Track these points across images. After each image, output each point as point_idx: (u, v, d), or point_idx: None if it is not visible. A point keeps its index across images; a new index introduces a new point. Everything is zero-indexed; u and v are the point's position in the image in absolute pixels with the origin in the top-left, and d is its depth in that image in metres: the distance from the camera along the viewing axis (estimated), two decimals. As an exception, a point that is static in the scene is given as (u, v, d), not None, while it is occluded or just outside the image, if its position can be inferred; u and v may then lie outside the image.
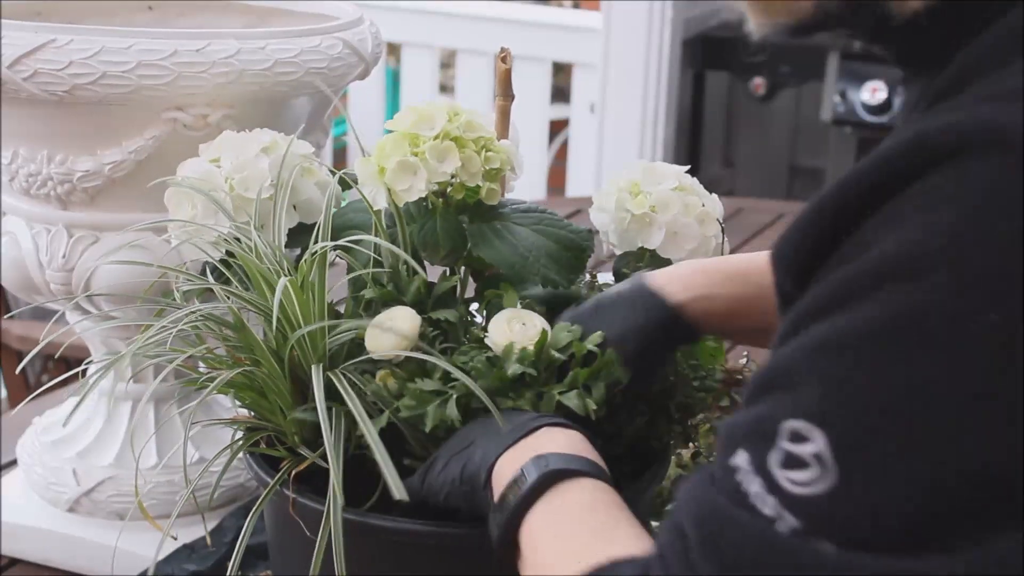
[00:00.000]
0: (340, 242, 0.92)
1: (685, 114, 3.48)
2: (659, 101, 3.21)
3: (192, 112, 1.06)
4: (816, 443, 0.54)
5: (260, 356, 0.92)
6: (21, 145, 1.10)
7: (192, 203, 0.97)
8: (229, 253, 0.95)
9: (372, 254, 0.93)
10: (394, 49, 3.82)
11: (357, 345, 0.92)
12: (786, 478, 0.55)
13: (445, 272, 0.96)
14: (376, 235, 0.93)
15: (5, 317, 2.32)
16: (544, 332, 0.87)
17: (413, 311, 0.89)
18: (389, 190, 0.91)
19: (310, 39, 1.10)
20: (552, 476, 0.76)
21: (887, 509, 0.53)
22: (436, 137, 0.91)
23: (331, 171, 1.01)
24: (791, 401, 0.56)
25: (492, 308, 0.92)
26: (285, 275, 0.90)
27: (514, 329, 0.88)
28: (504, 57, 1.00)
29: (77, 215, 1.12)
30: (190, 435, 0.92)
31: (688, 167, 1.03)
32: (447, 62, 3.87)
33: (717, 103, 3.84)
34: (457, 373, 0.84)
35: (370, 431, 0.82)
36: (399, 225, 0.94)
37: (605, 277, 1.03)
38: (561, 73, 3.77)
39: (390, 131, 0.94)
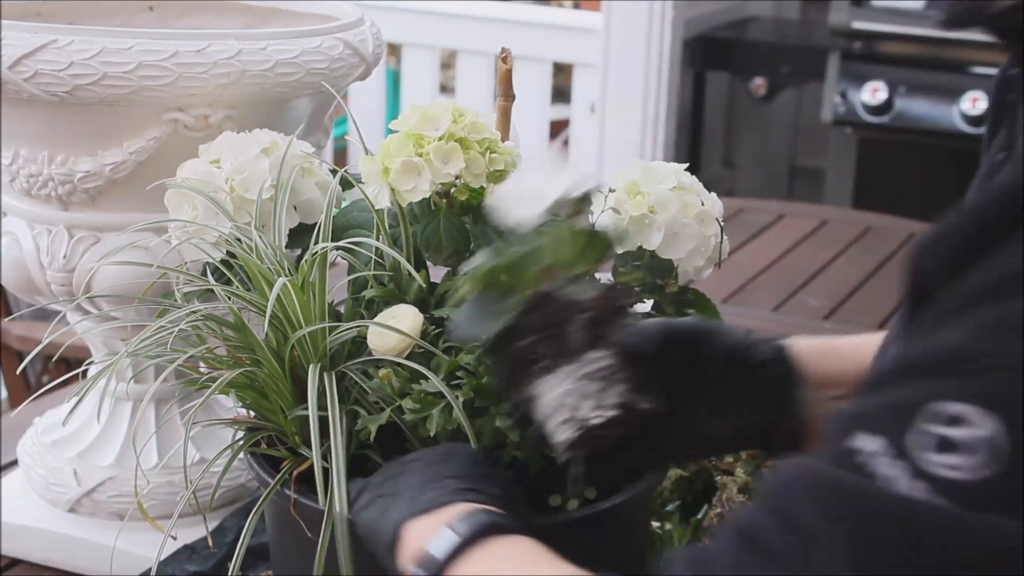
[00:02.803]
0: (340, 243, 0.92)
1: (685, 114, 3.48)
2: (659, 101, 3.21)
3: (193, 113, 1.06)
4: (985, 427, 0.52)
5: (261, 356, 0.92)
6: (22, 146, 1.10)
7: (192, 204, 0.97)
8: (230, 254, 0.95)
9: (373, 256, 0.93)
10: (394, 49, 3.82)
11: (357, 345, 0.92)
12: (941, 462, 0.52)
13: (448, 272, 0.96)
14: (378, 235, 0.93)
15: (6, 318, 2.32)
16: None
17: (416, 309, 0.89)
18: (393, 190, 0.91)
19: (311, 40, 1.10)
20: (487, 528, 0.73)
21: None
22: (441, 138, 0.91)
23: (333, 170, 1.01)
24: (948, 384, 0.53)
25: None
26: (286, 275, 0.90)
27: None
28: (505, 57, 1.00)
29: (78, 216, 1.12)
30: (191, 435, 0.92)
31: (687, 166, 1.03)
32: (447, 62, 3.86)
33: (717, 103, 3.84)
34: (445, 391, 0.83)
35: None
36: (403, 225, 0.94)
37: (604, 277, 1.03)
38: (561, 73, 3.77)
39: (392, 131, 0.94)
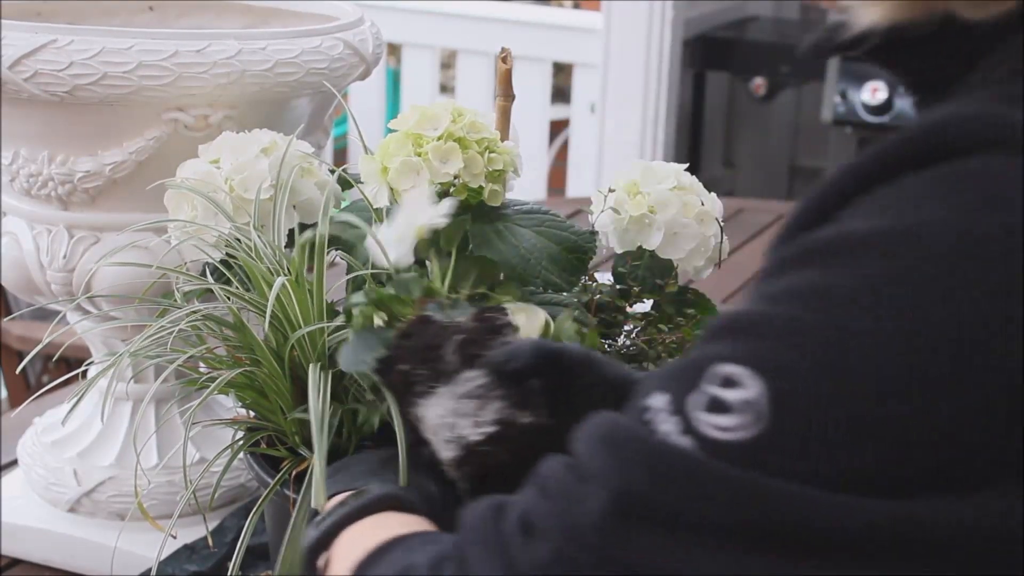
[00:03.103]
0: (333, 231, 0.92)
1: (685, 114, 3.48)
2: (659, 101, 3.21)
3: (193, 113, 1.06)
4: (752, 389, 0.53)
5: (260, 356, 0.92)
6: (22, 146, 1.10)
7: (192, 204, 0.97)
8: (230, 254, 0.95)
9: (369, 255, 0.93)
10: (394, 49, 3.82)
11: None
12: (708, 421, 0.54)
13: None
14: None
15: (6, 318, 2.32)
16: (547, 323, 0.87)
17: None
18: (392, 189, 0.91)
19: (311, 39, 1.10)
20: (378, 502, 0.75)
21: (822, 461, 0.52)
22: (440, 137, 0.91)
23: (331, 169, 1.01)
24: (733, 346, 0.55)
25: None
26: (284, 275, 0.90)
27: (519, 320, 0.88)
28: (505, 57, 1.00)
29: (78, 216, 1.12)
30: (190, 435, 0.92)
31: (687, 166, 1.03)
32: (447, 62, 3.87)
33: (717, 103, 3.84)
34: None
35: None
36: None
37: (604, 277, 1.03)
38: (561, 73, 3.77)
39: (392, 131, 0.94)
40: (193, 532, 1.12)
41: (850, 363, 0.52)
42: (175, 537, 1.04)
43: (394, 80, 4.04)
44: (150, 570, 1.01)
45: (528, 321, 0.88)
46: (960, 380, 0.51)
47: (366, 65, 1.16)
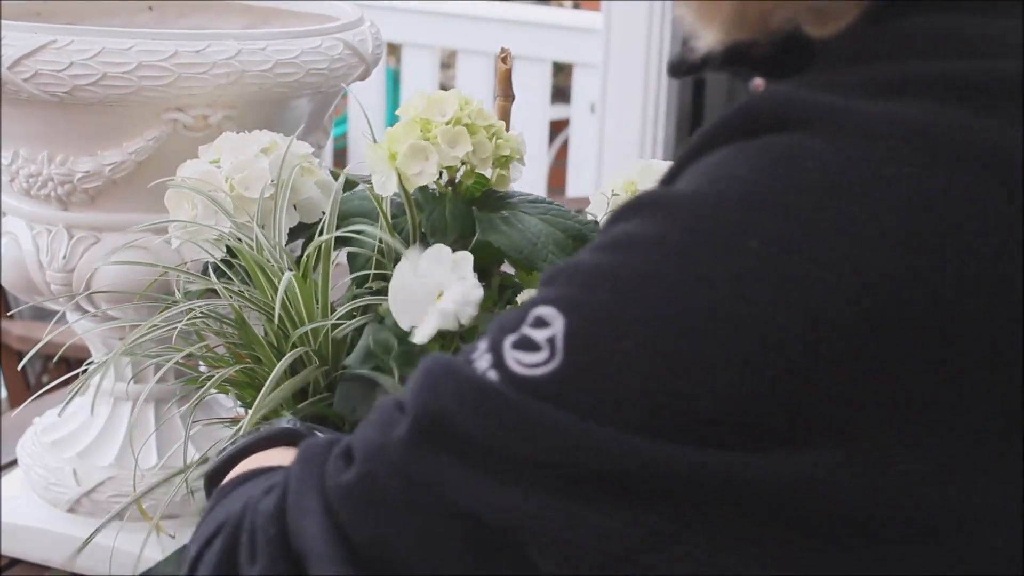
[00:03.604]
0: (343, 231, 0.92)
1: (685, 114, 3.48)
2: (659, 101, 3.21)
3: (192, 113, 1.06)
4: (554, 328, 0.55)
5: (261, 353, 0.92)
6: (21, 146, 1.10)
7: (192, 203, 0.97)
8: (230, 252, 0.95)
9: (376, 242, 0.93)
10: (394, 49, 3.82)
11: (360, 337, 0.92)
12: (514, 358, 0.55)
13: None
14: (380, 222, 0.93)
15: (5, 317, 2.32)
16: None
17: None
18: (400, 175, 0.91)
19: (310, 40, 1.10)
20: (275, 436, 0.77)
21: (604, 400, 0.53)
22: (448, 122, 0.91)
23: (333, 173, 1.01)
24: (550, 290, 0.57)
25: (506, 291, 0.94)
26: (289, 271, 0.90)
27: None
28: (504, 57, 1.00)
29: (77, 216, 1.12)
30: (190, 435, 0.93)
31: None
32: (447, 62, 3.87)
33: (717, 103, 3.84)
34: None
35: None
36: (408, 211, 0.94)
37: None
38: (561, 73, 3.77)
39: (396, 124, 0.94)
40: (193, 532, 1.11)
41: (630, 304, 0.54)
42: (173, 536, 1.05)
43: (394, 80, 4.04)
44: (150, 570, 1.01)
45: None
46: (717, 335, 0.53)
47: (366, 65, 1.16)
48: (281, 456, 0.75)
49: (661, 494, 0.53)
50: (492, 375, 0.56)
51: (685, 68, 0.68)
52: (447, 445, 0.56)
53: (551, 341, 0.55)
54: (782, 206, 0.53)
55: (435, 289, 0.80)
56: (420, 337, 0.79)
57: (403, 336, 0.82)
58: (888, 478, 0.52)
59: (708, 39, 0.62)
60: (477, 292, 0.79)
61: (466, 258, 0.81)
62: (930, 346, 0.51)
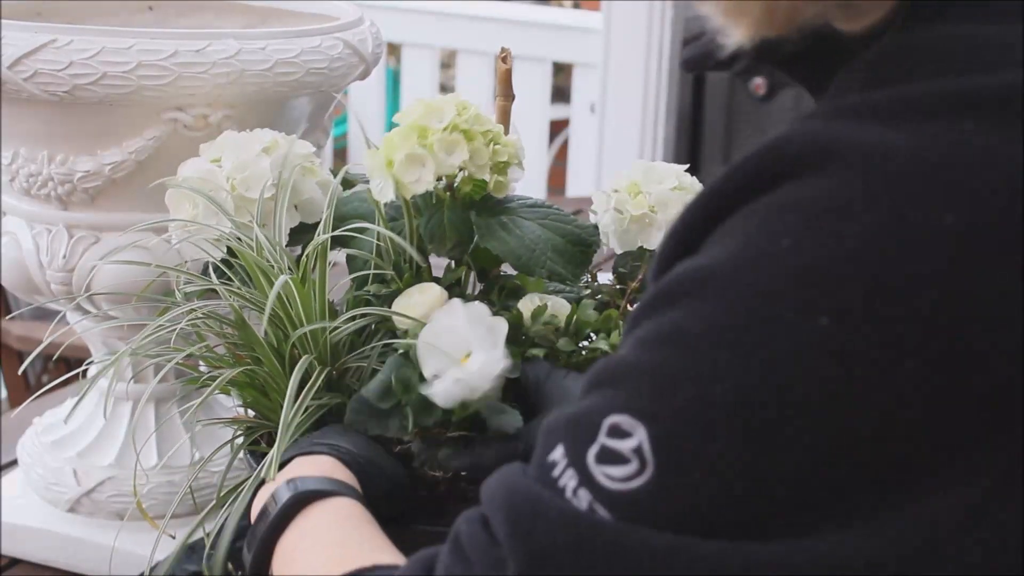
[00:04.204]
0: (341, 231, 0.92)
1: (685, 114, 3.48)
2: (659, 101, 3.21)
3: (192, 112, 1.06)
4: (637, 437, 0.53)
5: (261, 354, 0.92)
6: (22, 145, 1.10)
7: (193, 203, 0.97)
8: (230, 252, 0.95)
9: (375, 240, 0.93)
10: (394, 49, 3.82)
11: (358, 338, 0.92)
12: (602, 473, 0.54)
13: (450, 265, 0.96)
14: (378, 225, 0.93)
15: (6, 318, 2.32)
16: (575, 307, 0.91)
17: (440, 287, 0.90)
18: (397, 182, 0.91)
19: (310, 39, 1.10)
20: (305, 497, 0.77)
21: (707, 502, 0.53)
22: (445, 129, 0.91)
23: (332, 172, 1.01)
24: (615, 396, 0.55)
25: (507, 294, 0.95)
26: (286, 272, 0.90)
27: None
28: (504, 57, 1.00)
29: (77, 215, 1.12)
30: (190, 435, 0.92)
31: (688, 166, 1.03)
32: (447, 62, 3.87)
33: (717, 103, 3.83)
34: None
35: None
36: (406, 217, 0.94)
37: (605, 277, 1.03)
38: (561, 73, 3.77)
39: (394, 127, 0.94)
40: (193, 532, 1.11)
41: (709, 400, 0.53)
42: (174, 537, 1.04)
43: (394, 80, 4.04)
44: (150, 570, 1.01)
45: (554, 306, 0.91)
46: (789, 419, 0.52)
47: (366, 65, 1.16)
48: (330, 522, 0.76)
49: None
50: (583, 494, 0.54)
51: (710, 63, 0.67)
52: None
53: (638, 452, 0.53)
54: (838, 276, 0.52)
55: (464, 347, 0.80)
56: (439, 400, 0.80)
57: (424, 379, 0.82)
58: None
59: (737, 36, 0.61)
60: (500, 365, 0.79)
61: (502, 327, 0.81)
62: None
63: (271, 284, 0.91)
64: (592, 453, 0.55)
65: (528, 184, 1.44)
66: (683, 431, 0.53)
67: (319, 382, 0.89)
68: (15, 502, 1.23)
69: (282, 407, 0.92)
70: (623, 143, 3.25)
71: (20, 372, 2.20)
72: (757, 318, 0.53)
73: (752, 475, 0.52)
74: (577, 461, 0.55)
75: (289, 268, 0.92)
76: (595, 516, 0.54)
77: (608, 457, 0.54)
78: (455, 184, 0.93)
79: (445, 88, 3.83)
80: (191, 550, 1.13)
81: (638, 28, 3.18)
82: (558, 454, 0.56)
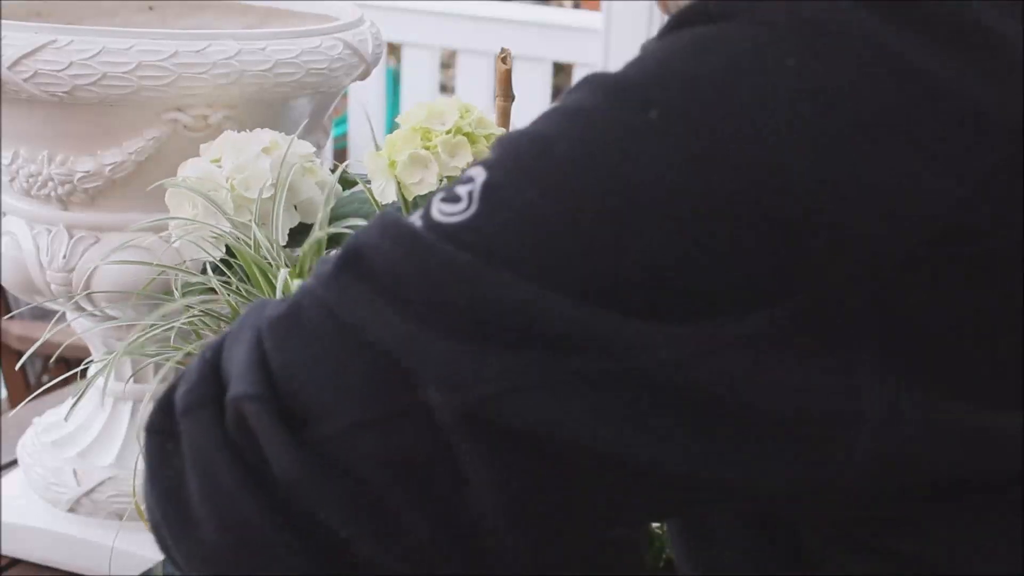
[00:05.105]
0: (336, 229, 0.92)
1: (685, 114, 3.48)
2: (659, 101, 3.21)
3: (192, 113, 1.06)
4: (477, 181, 0.58)
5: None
6: (21, 146, 1.10)
7: (193, 203, 0.97)
8: (229, 252, 0.95)
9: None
10: (394, 49, 3.82)
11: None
12: (438, 208, 0.58)
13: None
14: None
15: (5, 317, 2.32)
16: None
17: None
18: (399, 183, 0.92)
19: (310, 40, 1.10)
20: None
21: (512, 248, 0.55)
22: (448, 131, 0.91)
23: (335, 164, 1.01)
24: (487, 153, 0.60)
25: None
26: (283, 269, 0.90)
27: None
28: (504, 58, 1.00)
29: (77, 216, 1.12)
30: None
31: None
32: (447, 62, 3.87)
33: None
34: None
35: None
36: None
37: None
38: (561, 73, 3.77)
39: (395, 128, 0.94)
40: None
41: (536, 159, 0.57)
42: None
43: (394, 80, 4.04)
44: (151, 570, 1.01)
45: None
46: (596, 190, 0.55)
47: (366, 65, 1.16)
48: None
49: (544, 340, 0.54)
50: (417, 222, 0.58)
51: (695, 17, 0.69)
52: (362, 276, 0.58)
53: (471, 193, 0.57)
54: (686, 83, 0.56)
55: None
56: None
57: None
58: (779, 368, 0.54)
59: None
60: None
61: None
62: (830, 244, 0.53)
63: (268, 282, 0.91)
64: (440, 195, 0.59)
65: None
66: (507, 180, 0.57)
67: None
68: (15, 502, 1.23)
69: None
70: (623, 143, 3.25)
71: (17, 368, 2.20)
72: (606, 100, 0.57)
73: (555, 231, 0.55)
74: (428, 203, 0.59)
75: (287, 265, 0.92)
76: (419, 229, 0.58)
77: (449, 197, 0.58)
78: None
79: (445, 88, 3.84)
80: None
81: (638, 28, 3.18)
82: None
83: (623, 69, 0.59)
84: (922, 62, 0.55)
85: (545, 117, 0.59)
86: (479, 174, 0.58)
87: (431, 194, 0.62)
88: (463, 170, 0.68)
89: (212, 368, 0.61)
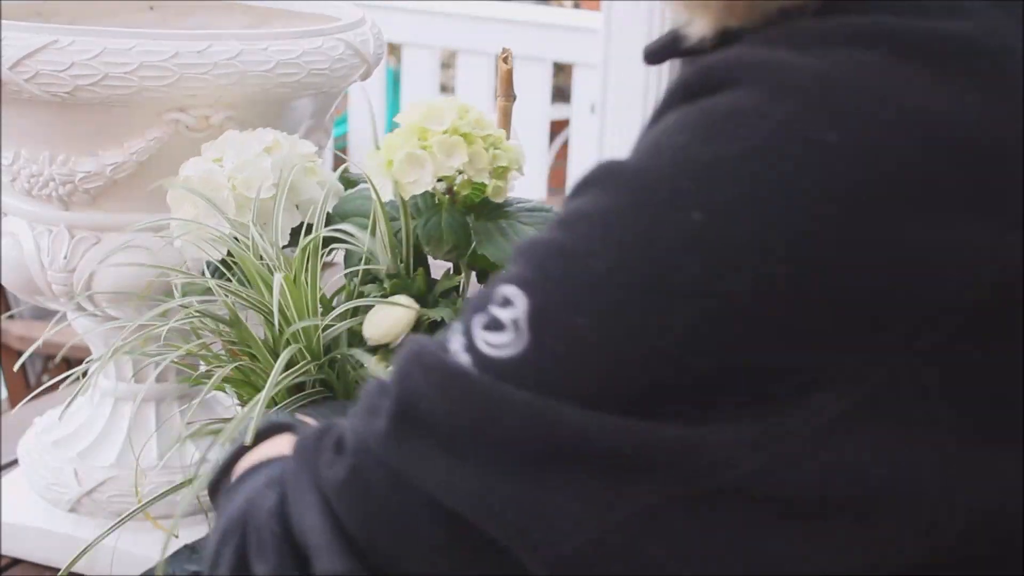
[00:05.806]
0: (331, 229, 0.92)
1: (685, 114, 3.48)
2: (659, 101, 3.21)
3: (194, 113, 1.06)
4: (518, 307, 0.55)
5: (256, 351, 0.92)
6: (23, 146, 1.10)
7: (194, 203, 0.97)
8: (229, 252, 0.96)
9: (364, 239, 0.94)
10: (395, 49, 3.82)
11: (355, 336, 0.93)
12: (483, 339, 0.56)
13: (448, 270, 0.97)
14: (375, 223, 0.93)
15: (5, 316, 2.32)
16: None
17: (411, 299, 0.90)
18: (395, 182, 0.92)
19: (312, 40, 1.10)
20: (270, 429, 0.76)
21: (572, 377, 0.54)
22: (445, 131, 0.91)
23: (339, 158, 1.01)
24: (513, 268, 0.57)
25: None
26: (282, 272, 0.91)
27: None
28: (506, 58, 1.00)
29: (79, 216, 1.12)
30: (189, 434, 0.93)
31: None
32: (447, 62, 3.87)
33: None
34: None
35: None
36: (403, 218, 0.94)
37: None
38: (561, 73, 3.77)
39: (395, 127, 0.94)
40: (194, 532, 1.12)
41: (578, 279, 0.55)
42: (177, 536, 1.04)
43: (394, 80, 4.04)
44: (151, 569, 1.01)
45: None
46: (651, 303, 0.54)
47: (367, 65, 1.16)
48: (279, 446, 0.75)
49: (626, 470, 0.53)
50: (464, 358, 0.56)
51: (673, 54, 0.68)
52: (420, 433, 0.56)
53: (516, 322, 0.55)
54: (720, 175, 0.54)
55: None
56: None
57: None
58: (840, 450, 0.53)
59: (699, 27, 0.63)
60: None
61: None
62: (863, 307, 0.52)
63: (267, 283, 0.91)
64: (480, 321, 0.57)
65: (528, 184, 1.45)
66: (554, 307, 0.55)
67: (301, 369, 0.89)
68: (15, 502, 1.23)
69: (276, 404, 0.92)
70: (623, 143, 3.24)
71: (16, 369, 2.20)
72: (636, 203, 0.55)
73: (612, 353, 0.54)
74: (468, 328, 0.57)
75: (284, 266, 0.92)
76: (468, 369, 0.56)
77: (492, 325, 0.56)
78: (454, 187, 0.93)
79: (445, 88, 3.83)
80: (191, 550, 1.13)
81: (638, 28, 3.18)
82: (457, 322, 0.59)
83: (637, 159, 0.57)
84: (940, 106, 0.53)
85: (568, 227, 0.57)
86: (517, 297, 0.55)
87: (463, 308, 0.59)
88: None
89: (286, 543, 0.61)
